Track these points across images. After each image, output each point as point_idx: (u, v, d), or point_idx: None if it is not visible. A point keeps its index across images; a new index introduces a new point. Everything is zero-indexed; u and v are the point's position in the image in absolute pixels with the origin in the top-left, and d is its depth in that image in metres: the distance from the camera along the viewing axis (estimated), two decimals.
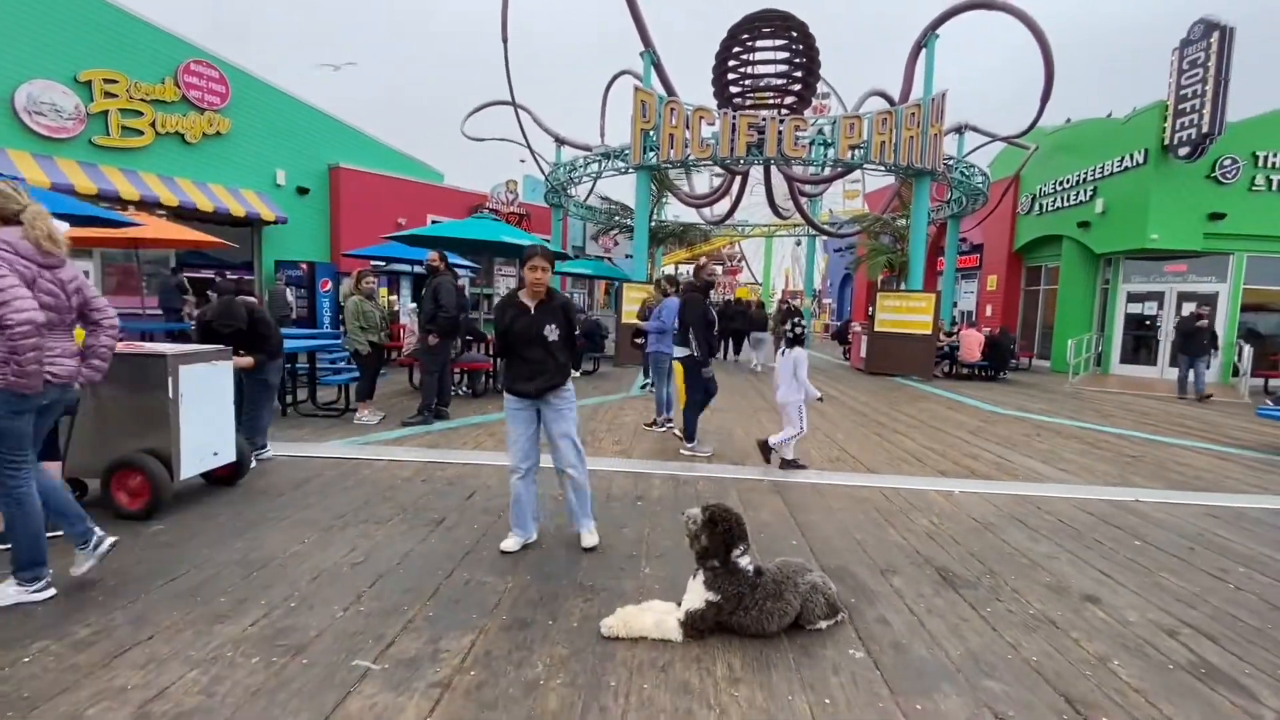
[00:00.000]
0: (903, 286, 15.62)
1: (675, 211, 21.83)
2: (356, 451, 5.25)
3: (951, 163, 14.38)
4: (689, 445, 5.74)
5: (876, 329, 13.42)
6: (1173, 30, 13.08)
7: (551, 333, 3.23)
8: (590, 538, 3.39)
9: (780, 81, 15.13)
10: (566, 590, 2.89)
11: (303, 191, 14.39)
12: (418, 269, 15.52)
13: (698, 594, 2.54)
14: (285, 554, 3.16)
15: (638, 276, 13.91)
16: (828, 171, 17.15)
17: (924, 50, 13.45)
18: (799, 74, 15.01)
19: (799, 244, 30.04)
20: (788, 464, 5.24)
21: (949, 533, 3.87)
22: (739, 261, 48.21)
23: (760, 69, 15.34)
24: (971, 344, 13.38)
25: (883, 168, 13.06)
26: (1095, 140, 15.15)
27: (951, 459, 5.89)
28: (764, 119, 12.43)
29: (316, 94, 14.92)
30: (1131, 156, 13.89)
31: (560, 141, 18.26)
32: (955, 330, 14.28)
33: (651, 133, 12.97)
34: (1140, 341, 15.05)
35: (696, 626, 2.50)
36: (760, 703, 2.11)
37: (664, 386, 6.74)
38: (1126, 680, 2.33)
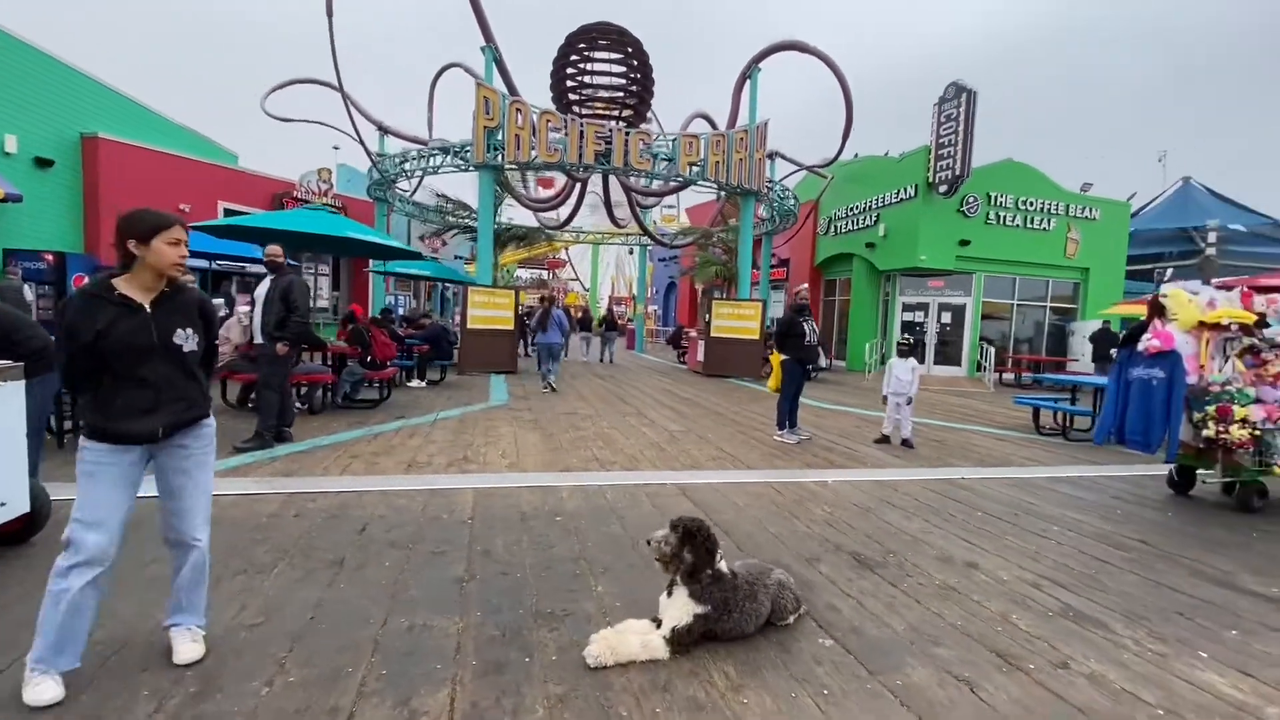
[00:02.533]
0: (732, 295, 16.93)
1: (510, 213, 21.26)
2: None
3: (771, 185, 15.97)
4: (780, 432, 7.05)
5: (713, 334, 14.40)
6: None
7: (187, 340, 2.24)
8: (194, 647, 2.27)
9: (618, 94, 15.57)
10: (526, 621, 2.67)
11: (44, 164, 11.41)
12: (217, 265, 13.24)
13: (684, 609, 2.51)
14: (146, 626, 2.49)
15: (483, 280, 13.31)
16: (663, 185, 18.02)
17: (749, 81, 14.80)
18: (635, 88, 15.60)
19: (631, 252, 31.12)
20: (905, 442, 6.92)
21: (842, 519, 4.29)
22: (560, 257, 48.30)
23: (598, 79, 15.66)
24: None
25: (715, 185, 14.06)
26: (878, 174, 17.91)
27: (811, 451, 6.53)
28: (610, 129, 12.69)
29: (68, 48, 11.88)
30: (905, 190, 16.66)
31: (384, 131, 16.82)
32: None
33: (496, 131, 12.54)
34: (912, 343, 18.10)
35: (683, 641, 2.46)
36: (770, 705, 2.15)
37: (550, 363, 10.81)
38: (1027, 630, 2.79)
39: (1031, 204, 17.02)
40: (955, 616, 2.88)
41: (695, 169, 13.20)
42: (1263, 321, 4.72)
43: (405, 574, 3.07)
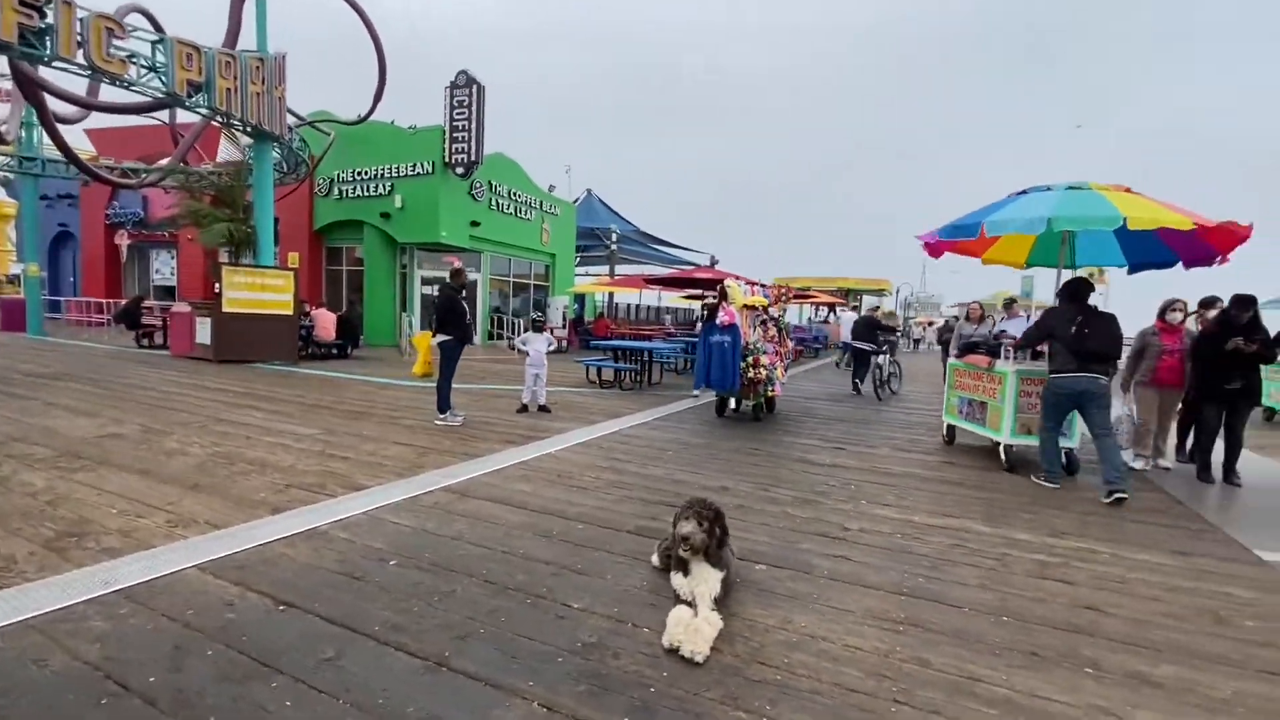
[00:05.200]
0: (248, 261, 13.52)
1: None
2: None
3: (293, 131, 13.50)
4: (442, 416, 6.79)
5: (226, 309, 11.45)
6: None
7: None
8: None
9: None
10: (579, 664, 2.32)
11: None
12: None
13: (713, 579, 2.74)
14: None
15: None
16: (91, 94, 12.56)
17: None
18: None
19: (5, 184, 19.78)
20: (543, 408, 7.71)
21: (611, 480, 4.83)
22: None
23: None
24: (327, 322, 13.41)
25: (227, 118, 11.00)
26: (389, 143, 17.43)
27: (488, 430, 6.59)
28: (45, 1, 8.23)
29: None
30: (422, 165, 16.91)
31: None
32: (307, 310, 13.74)
33: None
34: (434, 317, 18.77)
35: (720, 606, 2.72)
36: (815, 620, 2.73)
37: None
38: (808, 516, 4.15)
39: (519, 196, 20.01)
40: (775, 522, 4.01)
41: (199, 94, 9.99)
42: (767, 307, 7.68)
43: (341, 700, 2.05)
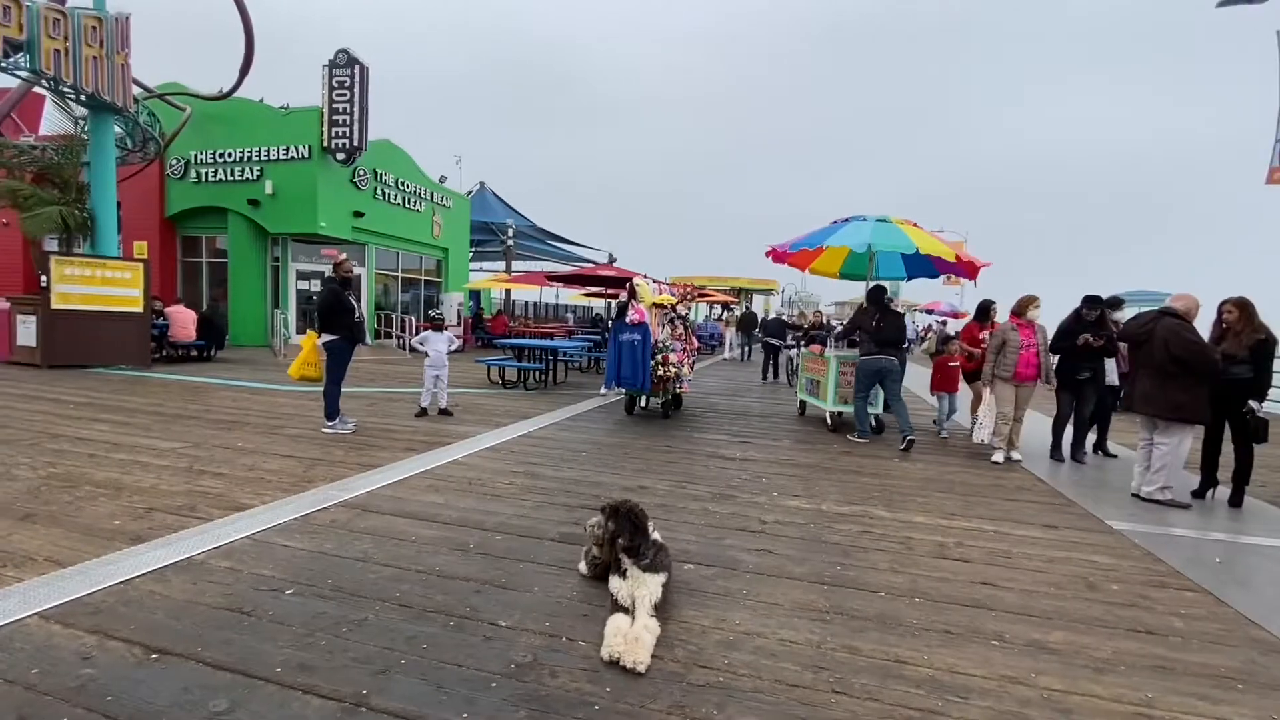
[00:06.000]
0: (83, 250, 11.60)
1: None
2: None
3: (140, 103, 11.80)
4: (331, 424, 6.21)
5: (57, 306, 9.86)
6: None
7: None
8: None
9: None
10: (516, 686, 2.17)
11: None
12: None
13: (652, 583, 2.68)
14: None
15: None
16: None
17: None
18: None
19: None
20: (444, 411, 7.38)
21: (528, 485, 4.65)
22: None
23: None
24: (185, 321, 11.94)
25: (56, 85, 9.42)
26: (258, 123, 15.81)
27: (384, 438, 6.14)
28: None
29: None
30: (298, 149, 15.50)
31: None
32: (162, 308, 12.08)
33: None
34: (309, 315, 17.24)
35: (656, 610, 2.67)
36: (747, 616, 2.76)
37: None
38: (725, 511, 4.22)
39: (408, 186, 18.91)
40: (697, 519, 4.03)
41: (15, 51, 8.47)
42: (674, 306, 7.76)
43: None
